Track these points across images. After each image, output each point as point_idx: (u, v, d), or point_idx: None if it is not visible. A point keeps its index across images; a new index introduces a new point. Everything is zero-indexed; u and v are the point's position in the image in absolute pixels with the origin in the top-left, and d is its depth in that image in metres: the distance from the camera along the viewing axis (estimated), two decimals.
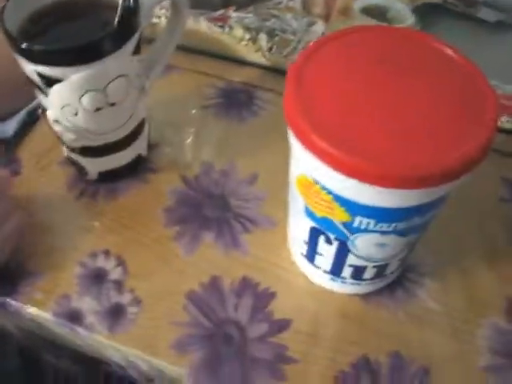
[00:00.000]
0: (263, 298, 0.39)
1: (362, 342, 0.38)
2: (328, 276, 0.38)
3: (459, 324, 0.39)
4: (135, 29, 0.37)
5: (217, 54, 0.54)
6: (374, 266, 0.35)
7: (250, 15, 0.53)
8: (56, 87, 0.35)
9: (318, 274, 0.38)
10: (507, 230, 0.43)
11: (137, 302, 0.39)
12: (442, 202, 0.31)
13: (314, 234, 0.35)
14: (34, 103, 0.50)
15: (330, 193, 0.30)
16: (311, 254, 0.37)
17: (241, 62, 0.54)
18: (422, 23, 0.52)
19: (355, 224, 0.31)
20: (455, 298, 0.40)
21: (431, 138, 0.28)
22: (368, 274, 0.36)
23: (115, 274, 0.40)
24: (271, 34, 0.53)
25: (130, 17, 0.36)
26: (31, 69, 0.35)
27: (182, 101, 0.52)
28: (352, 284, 0.38)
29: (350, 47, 0.32)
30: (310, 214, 0.33)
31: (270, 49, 0.52)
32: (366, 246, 0.33)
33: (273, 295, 0.40)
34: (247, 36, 0.52)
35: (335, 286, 0.39)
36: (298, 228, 0.36)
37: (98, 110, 0.37)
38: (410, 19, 0.50)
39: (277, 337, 0.38)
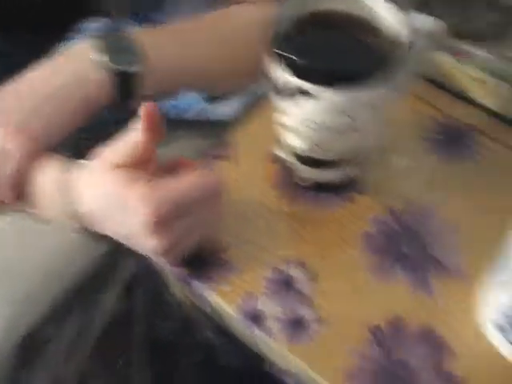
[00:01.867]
0: (440, 352, 0.38)
1: None
2: None
3: None
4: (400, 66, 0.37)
5: (446, 88, 0.53)
6: None
7: (492, 56, 0.50)
8: (307, 103, 0.36)
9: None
10: None
11: (320, 320, 0.39)
12: None
13: None
14: (256, 87, 0.51)
15: None
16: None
17: (469, 102, 0.52)
18: None
19: None
20: None
21: None
22: None
23: (306, 287, 0.41)
24: None
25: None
26: (288, 79, 0.36)
27: (399, 127, 0.51)
28: None
29: None
30: None
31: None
32: None
33: (452, 353, 0.38)
34: (484, 77, 0.50)
35: None
36: (501, 297, 0.34)
37: (339, 132, 0.37)
38: None
39: None
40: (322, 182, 0.45)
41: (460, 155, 0.49)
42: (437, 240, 0.44)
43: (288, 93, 0.37)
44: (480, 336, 0.39)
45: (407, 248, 0.43)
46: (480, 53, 0.52)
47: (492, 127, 0.51)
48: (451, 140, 0.50)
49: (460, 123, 0.52)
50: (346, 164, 0.43)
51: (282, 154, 0.45)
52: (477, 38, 0.53)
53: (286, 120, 0.40)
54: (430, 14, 0.52)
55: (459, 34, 0.54)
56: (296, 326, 0.39)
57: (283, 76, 0.36)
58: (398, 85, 0.37)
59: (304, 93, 0.36)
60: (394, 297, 0.41)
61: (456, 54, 0.52)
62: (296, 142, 0.40)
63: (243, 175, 0.47)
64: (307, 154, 0.41)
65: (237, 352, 0.47)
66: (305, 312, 0.40)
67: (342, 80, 0.34)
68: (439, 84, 0.53)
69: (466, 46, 0.52)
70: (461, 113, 0.52)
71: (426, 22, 0.51)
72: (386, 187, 0.47)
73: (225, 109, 0.51)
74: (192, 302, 0.44)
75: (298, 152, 0.42)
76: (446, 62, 0.52)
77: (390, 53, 0.35)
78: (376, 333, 0.39)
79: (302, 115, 0.37)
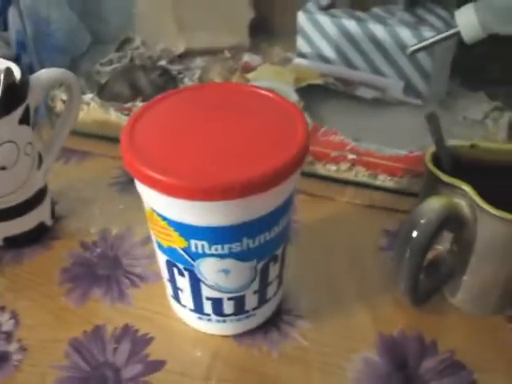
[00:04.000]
0: (141, 343, 0.42)
1: (234, 381, 0.39)
2: (194, 315, 0.40)
3: (329, 359, 0.41)
4: (21, 101, 0.43)
5: None
6: (230, 299, 0.38)
7: None
8: None
9: (187, 315, 0.41)
10: (383, 276, 0.46)
11: (22, 350, 0.41)
12: (269, 226, 0.35)
13: (170, 268, 0.38)
14: None
15: (164, 218, 0.34)
16: (175, 292, 0.40)
17: None
18: (306, 101, 0.58)
19: (193, 248, 0.34)
20: (328, 336, 0.42)
21: (241, 158, 0.32)
22: (228, 309, 0.39)
23: (7, 326, 0.43)
24: None
25: (16, 90, 0.42)
26: None
27: (92, 181, 0.57)
28: (218, 322, 0.40)
29: (182, 102, 0.37)
30: (160, 247, 0.37)
31: None
32: (210, 272, 0.36)
33: (151, 340, 0.42)
34: None
35: (203, 326, 0.41)
36: (160, 266, 0.40)
37: None
38: (294, 98, 0.57)
39: (150, 377, 0.40)
40: (13, 235, 0.48)
41: None
42: (130, 257, 0.49)
43: None
44: (177, 319, 0.43)
45: (103, 270, 0.47)
46: None
47: None
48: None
49: None
50: (25, 211, 0.47)
51: None
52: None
53: None
54: None
55: None
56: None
57: None
58: None
59: None
60: (93, 314, 0.44)
61: (125, 109, 0.60)
62: None
63: None
64: None
65: None
66: (7, 347, 0.41)
67: None
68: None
69: (135, 103, 0.61)
70: None
71: None
72: (82, 228, 0.51)
73: None
74: None
75: None
76: (121, 119, 0.60)
77: None
78: (74, 344, 0.42)
79: None
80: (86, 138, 0.60)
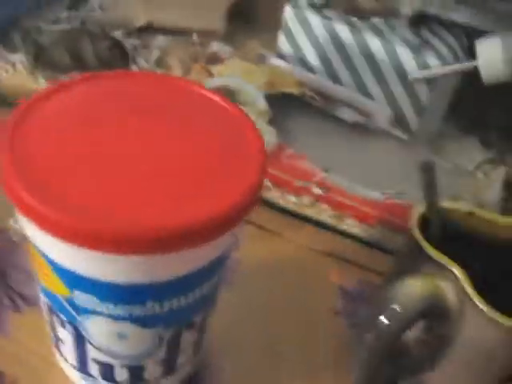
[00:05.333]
0: None
1: None
2: (78, 374, 0.30)
3: None
4: None
5: None
6: (124, 366, 0.28)
7: None
8: None
9: (69, 370, 0.31)
10: (334, 347, 0.37)
11: None
12: (187, 289, 0.25)
13: (49, 313, 0.28)
14: None
15: (42, 255, 0.24)
16: (55, 340, 0.30)
17: None
18: (276, 112, 0.48)
19: (77, 301, 0.24)
20: None
21: (161, 192, 0.22)
22: (120, 376, 0.29)
23: None
24: None
25: None
26: None
27: None
28: None
29: (95, 94, 0.27)
30: (41, 287, 0.27)
31: None
32: (100, 333, 0.26)
33: None
34: None
35: None
36: (42, 306, 0.29)
37: None
38: (261, 105, 0.47)
39: None
40: None
41: None
42: (22, 270, 0.38)
43: None
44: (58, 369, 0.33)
45: None
46: None
47: None
48: None
49: None
50: None
51: None
52: None
53: None
54: None
55: None
56: None
57: None
58: None
59: None
60: None
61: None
62: None
63: None
64: None
65: None
66: None
67: None
68: None
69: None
70: None
71: None
72: None
73: None
74: None
75: None
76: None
77: None
78: None
79: None
80: (2, 106, 0.49)
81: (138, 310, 0.24)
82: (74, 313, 0.25)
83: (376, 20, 0.53)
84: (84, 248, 0.21)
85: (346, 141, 0.50)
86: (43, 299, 0.28)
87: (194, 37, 0.58)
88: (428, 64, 0.47)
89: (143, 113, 0.26)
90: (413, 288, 0.29)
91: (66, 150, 0.24)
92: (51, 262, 0.23)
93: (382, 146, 0.51)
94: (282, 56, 0.55)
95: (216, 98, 0.28)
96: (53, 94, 0.26)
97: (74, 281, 0.23)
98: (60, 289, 0.24)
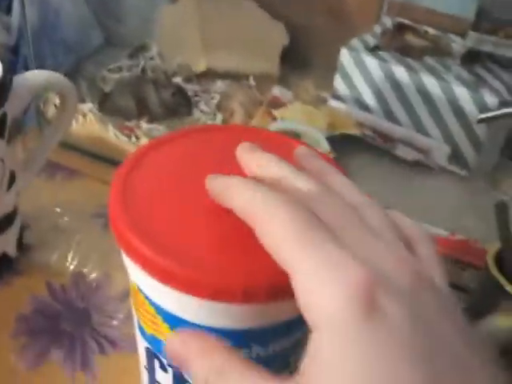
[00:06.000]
0: None
1: None
2: None
3: None
4: None
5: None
6: None
7: (161, 127, 0.51)
8: None
9: None
10: None
11: None
12: (291, 333, 0.26)
13: (150, 357, 0.29)
14: None
15: (152, 304, 0.25)
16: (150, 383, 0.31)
17: None
18: (338, 153, 0.50)
19: None
20: None
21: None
22: None
23: None
24: None
25: None
26: None
27: (75, 207, 0.48)
28: None
29: (190, 148, 0.29)
30: (141, 331, 0.28)
31: None
32: None
33: None
34: None
35: None
36: (139, 350, 0.31)
37: None
38: (324, 146, 0.49)
39: None
40: None
41: None
42: (104, 312, 0.40)
43: None
44: None
45: (67, 325, 0.39)
46: (150, 127, 0.52)
47: None
48: None
49: None
50: None
51: None
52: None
53: None
54: None
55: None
56: None
57: None
58: None
59: None
60: (47, 380, 0.35)
61: (126, 128, 0.52)
62: None
63: None
64: None
65: None
66: None
67: None
68: (115, 162, 0.52)
69: (140, 123, 0.53)
70: None
71: None
72: (51, 265, 0.43)
73: None
74: None
75: None
76: (120, 139, 0.51)
77: None
78: None
79: None
80: (76, 154, 0.52)
81: (244, 355, 0.26)
82: None
83: (430, 59, 0.55)
84: (205, 300, 0.22)
85: (405, 178, 0.51)
86: (142, 343, 0.29)
87: (251, 80, 0.60)
88: (485, 101, 0.49)
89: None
90: (497, 326, 0.30)
91: (173, 202, 0.25)
92: (160, 310, 0.25)
93: (440, 183, 0.52)
94: (338, 97, 0.56)
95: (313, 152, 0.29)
96: (162, 145, 0.28)
97: (183, 327, 0.25)
98: (167, 334, 0.26)
